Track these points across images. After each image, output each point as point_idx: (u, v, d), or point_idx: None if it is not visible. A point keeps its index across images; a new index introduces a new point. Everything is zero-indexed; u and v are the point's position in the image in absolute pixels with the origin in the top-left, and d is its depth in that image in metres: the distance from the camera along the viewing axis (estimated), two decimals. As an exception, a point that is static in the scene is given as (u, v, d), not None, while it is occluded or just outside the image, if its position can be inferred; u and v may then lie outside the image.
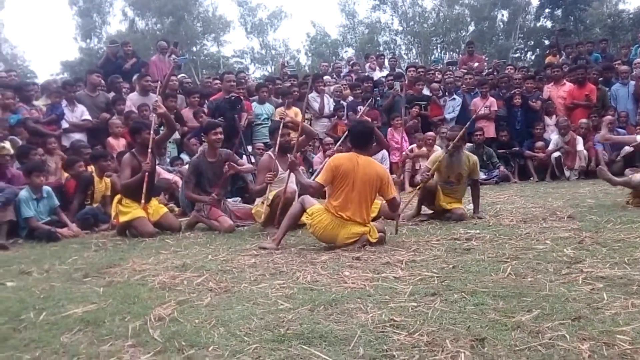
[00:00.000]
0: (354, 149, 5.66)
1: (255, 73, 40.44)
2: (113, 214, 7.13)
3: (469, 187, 7.16)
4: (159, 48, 13.54)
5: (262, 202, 6.83)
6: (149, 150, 7.04)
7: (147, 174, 6.94)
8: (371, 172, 5.46)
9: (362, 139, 5.68)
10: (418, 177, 6.80)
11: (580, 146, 11.06)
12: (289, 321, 3.19)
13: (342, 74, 14.99)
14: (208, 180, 7.26)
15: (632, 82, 12.19)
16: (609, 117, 10.13)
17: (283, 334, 2.98)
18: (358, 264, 4.62)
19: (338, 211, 5.39)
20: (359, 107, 11.14)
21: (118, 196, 7.11)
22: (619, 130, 11.44)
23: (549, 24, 38.81)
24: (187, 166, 9.12)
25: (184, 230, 7.14)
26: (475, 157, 7.20)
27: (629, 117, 11.90)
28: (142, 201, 6.90)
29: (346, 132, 7.66)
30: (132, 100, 10.50)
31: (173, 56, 13.33)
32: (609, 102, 12.20)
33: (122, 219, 6.95)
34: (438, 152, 7.34)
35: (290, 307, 3.45)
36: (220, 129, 7.34)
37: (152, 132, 7.10)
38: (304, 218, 5.59)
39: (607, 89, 12.36)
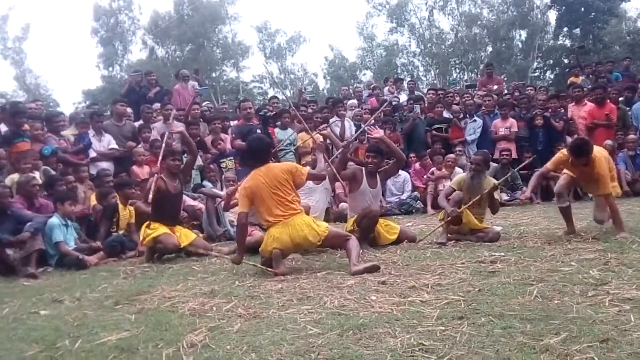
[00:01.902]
0: (253, 164, 6.01)
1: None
2: (141, 238, 7.26)
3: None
4: (180, 76, 13.75)
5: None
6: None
7: (172, 197, 7.19)
8: (275, 174, 5.80)
9: (259, 154, 6.00)
10: (448, 209, 6.86)
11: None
12: (319, 346, 3.24)
13: (362, 98, 15.08)
14: None
15: (652, 101, 12.17)
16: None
17: (314, 359, 3.04)
18: (384, 288, 4.66)
19: (274, 219, 5.75)
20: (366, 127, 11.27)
21: (147, 222, 7.24)
22: (640, 149, 11.44)
23: (567, 43, 38.81)
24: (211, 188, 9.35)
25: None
26: (494, 181, 7.26)
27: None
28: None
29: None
30: (157, 129, 10.73)
31: (195, 84, 13.56)
32: (629, 121, 12.17)
33: (149, 238, 7.10)
34: (461, 174, 7.40)
35: (320, 332, 3.50)
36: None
37: (162, 151, 7.45)
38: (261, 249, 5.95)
39: (628, 108, 12.34)
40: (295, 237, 5.71)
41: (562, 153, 6.57)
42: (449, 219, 6.86)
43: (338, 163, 7.21)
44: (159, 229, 7.12)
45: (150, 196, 6.97)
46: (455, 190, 7.08)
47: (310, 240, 5.76)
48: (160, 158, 7.37)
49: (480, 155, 7.24)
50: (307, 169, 6.16)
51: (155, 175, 7.27)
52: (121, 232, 8.04)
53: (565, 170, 6.80)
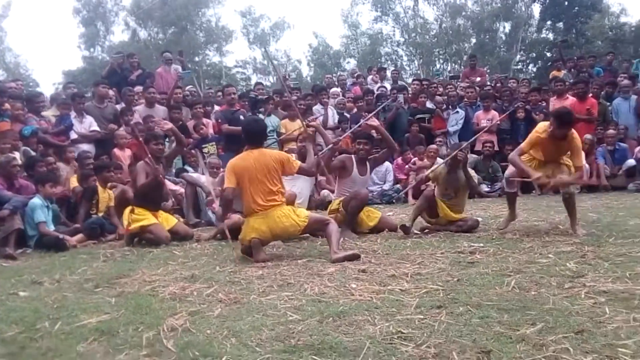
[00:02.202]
0: (248, 145, 5.96)
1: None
2: (125, 222, 7.23)
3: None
4: (163, 60, 13.64)
5: None
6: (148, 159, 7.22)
7: (157, 182, 7.13)
8: (266, 160, 5.78)
9: (255, 136, 5.99)
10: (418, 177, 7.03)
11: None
12: (299, 332, 3.27)
13: (346, 87, 15.08)
14: None
15: (634, 97, 12.30)
16: None
17: (294, 345, 3.06)
18: (364, 276, 4.69)
19: (255, 208, 5.73)
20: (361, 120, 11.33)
21: (130, 207, 7.22)
22: (620, 144, 11.56)
23: (550, 36, 39.01)
24: (192, 174, 9.33)
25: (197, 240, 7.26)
26: (472, 173, 7.33)
27: (628, 131, 12.02)
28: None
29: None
30: (139, 112, 10.68)
31: (179, 68, 13.49)
32: (610, 116, 12.31)
33: (137, 225, 7.07)
34: (440, 165, 7.47)
35: (300, 319, 3.53)
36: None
37: (158, 142, 7.38)
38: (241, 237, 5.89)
39: (609, 103, 12.47)
40: (275, 229, 5.74)
41: (537, 132, 6.45)
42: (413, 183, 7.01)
43: (326, 158, 7.23)
44: (147, 217, 7.11)
45: (142, 180, 6.94)
46: (429, 179, 7.16)
47: (290, 231, 5.84)
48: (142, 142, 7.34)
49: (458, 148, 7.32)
50: (299, 162, 6.15)
51: (146, 160, 7.22)
52: (101, 214, 8.00)
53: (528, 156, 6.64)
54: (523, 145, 6.61)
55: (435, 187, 7.11)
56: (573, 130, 6.38)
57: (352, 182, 7.23)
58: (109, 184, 8.24)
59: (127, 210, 7.24)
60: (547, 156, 6.48)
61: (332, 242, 5.55)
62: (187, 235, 7.38)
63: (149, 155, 7.19)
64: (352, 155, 7.41)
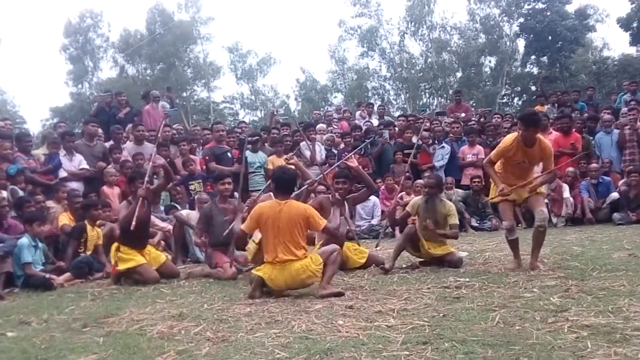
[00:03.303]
0: (277, 195, 5.98)
1: (245, 118, 40.83)
2: (112, 261, 7.23)
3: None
4: (151, 97, 13.72)
5: (252, 240, 7.07)
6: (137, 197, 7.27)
7: (140, 221, 7.07)
8: (294, 214, 5.77)
9: (285, 185, 6.01)
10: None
11: (566, 193, 11.29)
12: (286, 371, 3.31)
13: (333, 122, 15.22)
14: (215, 228, 7.52)
15: (616, 131, 12.49)
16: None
17: (281, 383, 3.10)
18: (351, 312, 4.74)
19: (273, 259, 5.68)
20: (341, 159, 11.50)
21: (116, 244, 7.23)
22: (604, 177, 11.71)
23: (535, 70, 39.61)
24: (182, 212, 9.34)
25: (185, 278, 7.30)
26: (449, 204, 7.45)
27: (612, 165, 12.19)
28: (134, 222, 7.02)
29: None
30: (128, 150, 10.75)
31: (166, 105, 13.59)
32: (593, 150, 12.48)
33: (124, 266, 7.10)
34: (416, 198, 7.59)
35: (287, 357, 3.57)
36: (229, 179, 7.66)
37: (145, 181, 7.37)
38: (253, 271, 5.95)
39: (591, 137, 12.66)
40: (291, 283, 5.73)
41: (504, 142, 6.51)
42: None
43: (302, 199, 7.26)
44: (134, 258, 7.14)
45: (134, 223, 6.95)
46: (409, 213, 7.23)
47: (308, 283, 5.78)
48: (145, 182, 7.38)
49: (433, 179, 7.48)
50: (325, 221, 6.11)
51: (140, 199, 7.27)
52: (89, 253, 7.99)
53: (500, 189, 6.57)
54: (492, 154, 6.68)
55: (416, 220, 7.20)
56: (541, 137, 6.46)
57: (330, 222, 7.25)
58: (98, 222, 8.26)
59: (113, 247, 7.25)
60: (518, 172, 6.55)
61: (325, 277, 5.61)
62: (174, 274, 7.41)
63: (130, 196, 7.32)
64: (329, 196, 7.47)
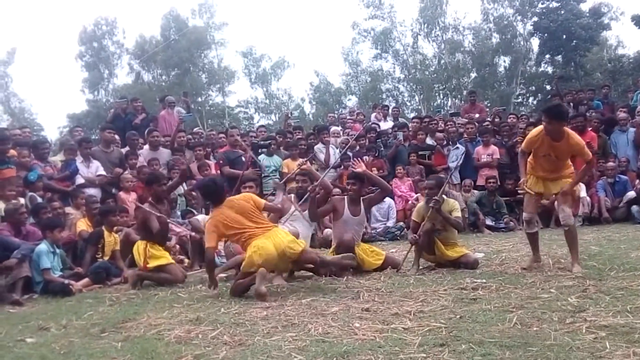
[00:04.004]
0: (214, 205, 6.39)
1: (260, 122, 40.98)
2: (141, 259, 7.27)
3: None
4: (166, 102, 13.80)
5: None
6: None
7: (162, 222, 7.28)
8: (240, 204, 6.22)
9: (216, 193, 6.39)
10: (409, 238, 7.10)
11: (583, 193, 11.20)
12: (304, 374, 3.32)
13: (346, 124, 15.23)
14: None
15: (632, 129, 12.39)
16: None
17: (298, 386, 3.11)
18: (367, 315, 4.74)
19: (254, 231, 6.06)
20: (364, 157, 11.52)
21: (143, 242, 7.32)
22: (621, 176, 11.62)
23: (550, 70, 39.36)
24: (198, 217, 9.36)
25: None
26: (452, 201, 7.47)
27: (629, 163, 12.10)
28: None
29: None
30: (144, 155, 10.85)
31: (182, 111, 13.67)
32: (609, 149, 12.39)
33: (156, 262, 7.22)
34: (419, 204, 7.57)
35: (304, 360, 3.58)
36: (251, 183, 7.79)
37: (162, 184, 7.59)
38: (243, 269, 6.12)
39: (607, 136, 12.56)
40: (279, 244, 5.97)
41: (531, 132, 6.47)
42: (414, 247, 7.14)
43: (309, 204, 7.27)
44: (164, 255, 7.33)
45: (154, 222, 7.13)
46: (418, 223, 7.20)
47: (292, 248, 6.04)
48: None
49: (433, 180, 7.42)
50: (263, 200, 6.55)
51: (150, 201, 7.51)
52: (106, 258, 8.04)
53: (530, 178, 6.61)
54: (522, 145, 6.68)
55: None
56: (570, 131, 6.36)
57: (344, 223, 7.26)
58: (115, 228, 8.32)
59: (141, 246, 7.31)
60: (547, 165, 6.47)
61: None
62: (177, 278, 7.33)
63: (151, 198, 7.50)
64: (344, 197, 7.48)
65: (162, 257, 7.27)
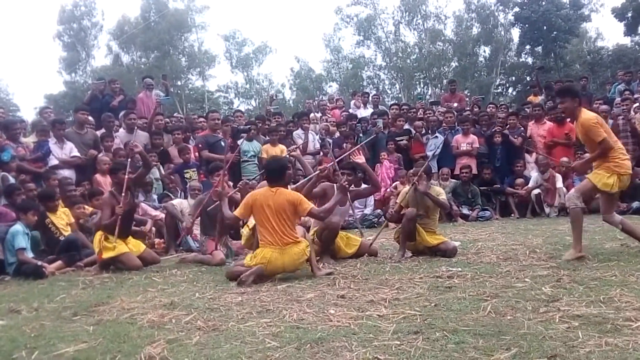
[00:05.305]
0: (270, 183, 6.28)
1: (240, 107, 40.76)
2: (97, 249, 7.20)
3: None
4: (144, 85, 13.65)
5: (247, 225, 7.38)
6: (124, 190, 7.33)
7: (121, 214, 7.18)
8: (282, 200, 6.05)
9: (277, 174, 6.29)
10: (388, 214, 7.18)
11: (559, 183, 11.31)
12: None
13: (326, 111, 15.20)
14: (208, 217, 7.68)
15: (611, 121, 12.47)
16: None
17: (271, 372, 3.08)
18: (343, 302, 4.73)
19: (272, 241, 5.96)
20: (344, 144, 11.52)
21: (100, 233, 7.20)
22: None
23: (529, 60, 39.64)
24: (174, 201, 9.28)
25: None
26: (438, 189, 7.55)
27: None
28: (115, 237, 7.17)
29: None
30: (120, 138, 10.74)
31: (160, 93, 13.52)
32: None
33: (108, 254, 7.09)
34: (404, 188, 7.60)
35: (278, 346, 3.55)
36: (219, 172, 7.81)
37: (127, 172, 7.35)
38: (246, 261, 6.13)
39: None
40: (289, 265, 6.01)
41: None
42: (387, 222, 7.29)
43: (310, 185, 7.29)
44: (118, 247, 7.17)
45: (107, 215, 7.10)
46: (402, 206, 7.22)
47: (297, 266, 6.11)
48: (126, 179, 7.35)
49: (419, 167, 7.43)
50: (311, 205, 6.34)
51: (111, 190, 7.50)
52: (67, 233, 7.86)
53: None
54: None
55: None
56: (583, 110, 6.27)
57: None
58: (90, 211, 8.22)
59: (98, 235, 7.23)
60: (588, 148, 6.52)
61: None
62: (155, 261, 7.46)
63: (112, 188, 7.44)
64: (334, 184, 7.47)
65: (115, 249, 7.15)
